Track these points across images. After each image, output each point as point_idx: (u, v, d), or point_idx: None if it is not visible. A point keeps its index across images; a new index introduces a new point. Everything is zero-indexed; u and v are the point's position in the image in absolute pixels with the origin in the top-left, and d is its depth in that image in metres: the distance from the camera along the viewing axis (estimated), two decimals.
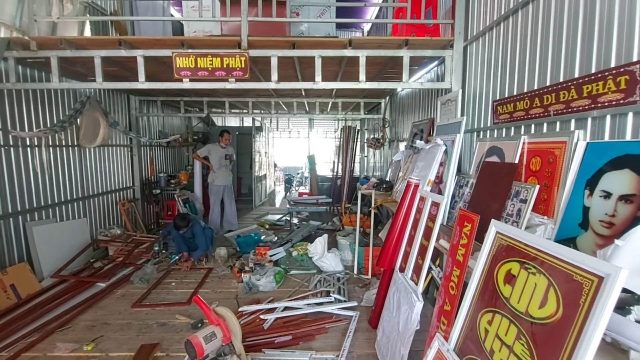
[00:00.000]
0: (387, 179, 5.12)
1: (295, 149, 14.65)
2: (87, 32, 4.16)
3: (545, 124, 2.03)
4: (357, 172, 8.32)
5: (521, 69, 2.26)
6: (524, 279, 1.36)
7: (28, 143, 3.79)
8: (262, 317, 3.01)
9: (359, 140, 7.76)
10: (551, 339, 1.15)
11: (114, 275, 3.89)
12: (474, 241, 1.80)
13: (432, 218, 2.41)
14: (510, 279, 1.43)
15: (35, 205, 3.87)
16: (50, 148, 4.08)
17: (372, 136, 6.41)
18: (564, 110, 1.85)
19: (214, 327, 2.15)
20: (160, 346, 2.64)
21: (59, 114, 4.20)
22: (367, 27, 7.59)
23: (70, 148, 4.43)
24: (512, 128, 2.34)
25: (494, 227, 1.63)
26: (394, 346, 2.35)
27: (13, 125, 3.58)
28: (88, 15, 4.24)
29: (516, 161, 2.15)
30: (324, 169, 11.82)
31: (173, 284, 3.89)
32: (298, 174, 13.36)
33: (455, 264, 1.91)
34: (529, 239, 1.40)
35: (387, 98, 5.93)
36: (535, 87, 2.10)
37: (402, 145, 5.02)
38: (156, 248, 4.65)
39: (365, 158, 8.40)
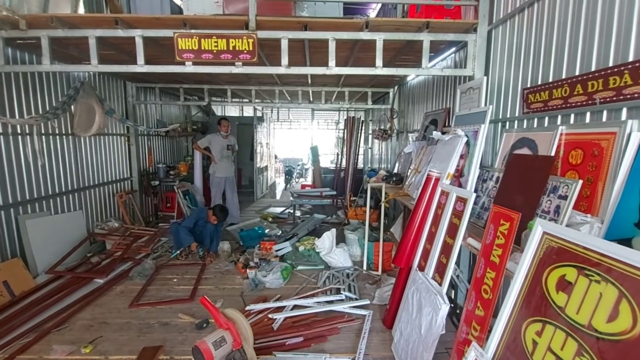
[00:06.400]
0: (396, 171, 4.95)
1: (295, 140, 14.41)
2: (81, 12, 3.89)
3: (588, 114, 1.85)
4: (360, 164, 8.12)
5: (559, 53, 2.06)
6: (584, 287, 1.20)
7: (19, 131, 3.56)
8: (270, 316, 2.85)
9: (363, 131, 7.55)
10: (627, 358, 1.00)
11: (112, 270, 3.71)
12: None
13: (457, 214, 2.25)
14: (565, 286, 1.28)
15: (28, 198, 3.66)
16: (43, 137, 3.85)
17: (379, 127, 6.21)
18: (614, 98, 1.67)
19: (223, 331, 1.99)
20: (164, 348, 2.47)
21: (51, 100, 3.96)
22: (373, 14, 7.28)
23: (64, 137, 4.20)
24: (546, 118, 2.16)
25: (540, 226, 1.46)
26: (414, 350, 2.21)
27: (2, 112, 3.35)
28: None
29: (552, 153, 1.98)
30: (325, 161, 11.63)
31: (175, 279, 3.71)
32: (298, 165, 13.15)
33: (490, 265, 1.75)
34: (590, 242, 1.23)
35: (396, 87, 5.71)
36: (577, 73, 1.91)
37: (412, 137, 4.83)
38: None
39: (370, 150, 8.19)
